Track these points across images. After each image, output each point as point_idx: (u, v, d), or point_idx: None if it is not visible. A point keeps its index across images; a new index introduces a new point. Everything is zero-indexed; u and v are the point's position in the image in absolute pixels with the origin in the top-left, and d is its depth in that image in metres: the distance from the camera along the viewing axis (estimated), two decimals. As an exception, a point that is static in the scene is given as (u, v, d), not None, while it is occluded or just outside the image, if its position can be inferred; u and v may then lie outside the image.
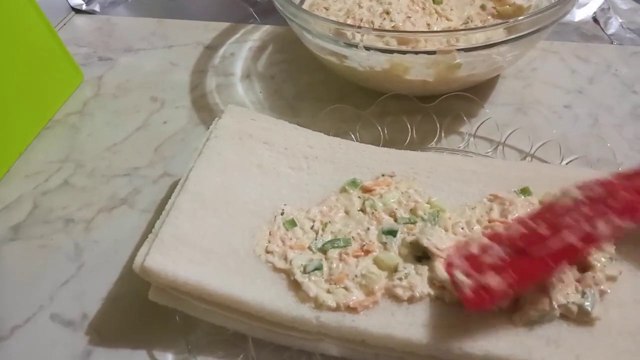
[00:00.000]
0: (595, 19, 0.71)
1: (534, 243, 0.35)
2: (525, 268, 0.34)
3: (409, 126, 0.54)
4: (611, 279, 0.36)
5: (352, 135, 0.53)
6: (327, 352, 0.37)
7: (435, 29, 0.58)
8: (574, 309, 0.35)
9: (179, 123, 0.59)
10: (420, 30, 0.56)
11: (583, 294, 0.35)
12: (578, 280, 0.36)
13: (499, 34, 0.48)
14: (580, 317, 0.35)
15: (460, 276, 0.35)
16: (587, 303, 0.35)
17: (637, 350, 0.34)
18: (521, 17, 0.49)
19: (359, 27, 0.49)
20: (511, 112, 0.57)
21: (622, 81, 0.61)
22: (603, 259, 0.37)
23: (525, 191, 0.42)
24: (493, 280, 0.34)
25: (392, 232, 0.39)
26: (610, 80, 0.61)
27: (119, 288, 0.44)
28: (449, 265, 0.37)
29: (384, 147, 0.49)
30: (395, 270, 0.37)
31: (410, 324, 0.35)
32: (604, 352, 0.34)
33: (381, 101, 0.54)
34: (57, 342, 0.41)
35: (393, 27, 0.56)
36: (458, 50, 0.48)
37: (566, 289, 0.35)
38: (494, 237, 0.38)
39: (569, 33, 0.69)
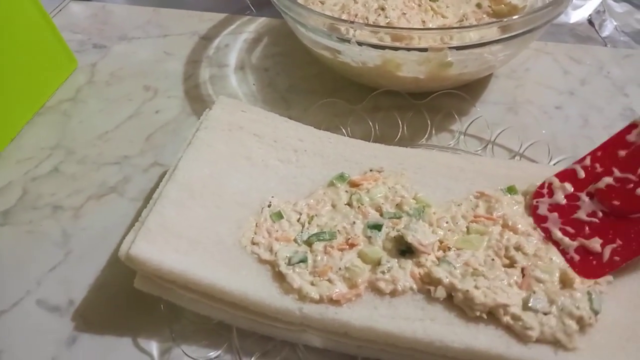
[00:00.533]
0: (590, 21, 0.71)
1: (631, 202, 0.33)
2: (628, 232, 0.32)
3: (400, 122, 0.54)
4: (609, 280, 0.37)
5: (344, 130, 0.53)
6: (310, 343, 0.38)
7: (430, 27, 0.58)
8: (578, 312, 0.34)
9: (171, 113, 0.59)
10: (413, 27, 0.56)
11: (589, 295, 0.35)
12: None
13: (492, 33, 0.48)
14: (580, 322, 0.34)
15: (560, 235, 0.34)
16: (595, 304, 0.35)
17: (629, 347, 0.34)
18: (515, 17, 0.49)
19: (352, 22, 0.49)
20: (502, 111, 0.58)
21: (613, 83, 0.61)
22: None
23: (511, 189, 0.43)
24: (599, 245, 0.32)
25: (377, 227, 0.40)
26: (602, 82, 0.62)
27: (105, 275, 0.44)
28: (539, 219, 0.35)
29: (374, 142, 0.49)
30: (378, 263, 0.37)
31: (393, 317, 0.35)
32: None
33: (373, 97, 0.54)
34: (43, 327, 0.41)
35: (388, 23, 0.57)
36: (450, 48, 0.48)
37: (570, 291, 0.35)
38: (574, 182, 0.35)
39: (564, 34, 0.69)
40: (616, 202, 0.34)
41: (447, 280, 0.36)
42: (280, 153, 0.46)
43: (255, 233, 0.40)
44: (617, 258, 0.33)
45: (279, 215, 0.41)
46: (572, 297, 0.35)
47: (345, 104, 0.54)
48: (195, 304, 0.38)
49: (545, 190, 0.38)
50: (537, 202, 0.38)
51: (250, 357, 0.38)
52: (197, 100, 0.61)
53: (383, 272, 0.37)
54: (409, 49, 0.48)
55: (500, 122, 0.55)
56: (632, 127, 0.37)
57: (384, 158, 0.46)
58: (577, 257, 0.34)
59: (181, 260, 0.37)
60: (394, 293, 0.36)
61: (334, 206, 0.42)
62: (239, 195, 0.43)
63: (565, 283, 0.36)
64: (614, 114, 0.57)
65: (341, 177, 0.44)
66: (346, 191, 0.43)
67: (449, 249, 0.38)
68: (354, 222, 0.41)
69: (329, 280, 0.37)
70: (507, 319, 0.34)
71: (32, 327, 0.41)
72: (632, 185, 0.35)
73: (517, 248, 0.37)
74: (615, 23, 0.70)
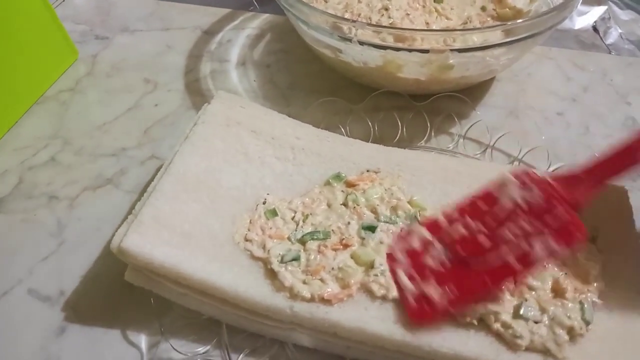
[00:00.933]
0: (595, 28, 0.71)
1: (474, 253, 0.35)
2: (465, 282, 0.34)
3: (399, 123, 0.54)
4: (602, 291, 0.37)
5: (343, 129, 0.53)
6: (299, 342, 0.38)
7: (433, 28, 0.58)
8: (569, 322, 0.34)
9: (171, 106, 0.59)
10: (415, 28, 0.56)
11: (581, 305, 0.35)
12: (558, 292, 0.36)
13: (495, 36, 0.48)
14: (571, 332, 0.34)
15: (404, 279, 0.36)
16: (587, 314, 0.35)
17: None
18: (519, 21, 0.48)
19: (354, 21, 0.49)
20: (503, 116, 0.57)
21: (616, 91, 0.61)
22: (594, 271, 0.37)
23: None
24: (435, 293, 0.34)
25: (372, 228, 0.39)
26: (605, 90, 0.61)
27: (98, 267, 0.44)
28: (392, 260, 0.37)
29: (373, 142, 0.49)
30: (371, 266, 0.37)
31: (383, 319, 0.35)
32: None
33: (374, 97, 0.54)
34: (33, 316, 0.41)
35: (391, 24, 0.56)
36: (452, 50, 0.48)
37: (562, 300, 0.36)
38: (434, 230, 0.37)
39: (568, 40, 0.69)
40: (460, 250, 0.36)
41: (439, 284, 0.36)
42: (278, 150, 0.46)
43: (249, 230, 0.40)
44: (448, 306, 0.34)
45: (273, 213, 0.41)
46: (564, 307, 0.35)
47: (345, 103, 0.54)
48: (186, 299, 0.38)
49: (404, 233, 0.39)
50: (394, 243, 0.39)
51: (239, 354, 0.38)
52: (197, 95, 0.61)
53: (376, 275, 0.36)
54: (410, 50, 0.48)
55: (501, 126, 0.55)
56: (500, 184, 0.38)
57: (382, 159, 0.46)
58: (413, 302, 0.35)
59: (173, 254, 0.37)
60: (385, 297, 0.36)
61: (329, 205, 0.42)
62: (234, 190, 0.42)
63: (557, 292, 0.36)
64: (616, 123, 0.57)
65: (338, 177, 0.44)
66: (342, 191, 0.43)
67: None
68: (349, 223, 0.40)
69: (321, 280, 0.37)
70: (497, 326, 0.34)
71: (22, 315, 0.41)
72: (479, 235, 0.36)
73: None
74: (620, 30, 0.69)
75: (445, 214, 0.39)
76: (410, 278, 0.36)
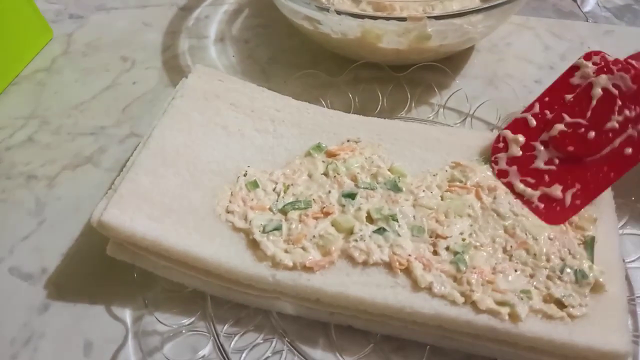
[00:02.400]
0: (572, -4, 0.71)
1: (583, 146, 0.34)
2: (585, 176, 0.34)
3: (380, 95, 0.54)
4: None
5: (323, 102, 0.53)
6: (283, 311, 0.38)
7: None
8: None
9: (149, 84, 0.58)
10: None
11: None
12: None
13: (473, 3, 0.48)
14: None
15: (522, 187, 0.35)
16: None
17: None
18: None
19: (331, -11, 0.48)
20: (482, 85, 0.58)
21: (593, 59, 0.61)
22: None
23: (487, 159, 0.43)
24: (560, 192, 0.34)
25: (352, 195, 0.40)
26: (582, 58, 0.61)
27: (79, 244, 0.44)
28: (500, 174, 0.37)
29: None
30: (351, 232, 0.38)
31: (365, 284, 0.36)
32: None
33: (353, 69, 0.54)
34: (15, 294, 0.41)
35: (370, -7, 0.56)
36: (429, 18, 0.47)
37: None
38: (526, 131, 0.37)
39: (546, 9, 0.69)
40: (570, 148, 0.36)
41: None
42: (257, 123, 0.46)
43: (230, 202, 0.40)
44: (578, 201, 0.34)
45: (254, 184, 0.41)
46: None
47: (325, 76, 0.54)
48: (169, 272, 0.38)
49: (501, 145, 0.39)
50: (495, 157, 0.39)
51: (224, 325, 0.38)
52: (176, 72, 0.60)
53: (356, 240, 0.37)
54: (387, 19, 0.48)
55: (480, 95, 0.55)
56: (574, 69, 0.38)
57: (362, 129, 0.46)
58: (541, 206, 0.35)
59: (154, 227, 0.37)
60: (366, 262, 0.36)
61: (310, 176, 0.42)
62: (214, 164, 0.42)
63: None
64: (593, 89, 0.57)
65: (318, 147, 0.44)
66: (323, 161, 0.43)
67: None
68: (330, 192, 0.41)
69: (303, 248, 0.37)
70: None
71: (4, 294, 0.41)
72: (583, 129, 0.36)
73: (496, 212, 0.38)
74: (597, -1, 0.70)
75: (531, 111, 0.38)
76: (527, 184, 0.35)
